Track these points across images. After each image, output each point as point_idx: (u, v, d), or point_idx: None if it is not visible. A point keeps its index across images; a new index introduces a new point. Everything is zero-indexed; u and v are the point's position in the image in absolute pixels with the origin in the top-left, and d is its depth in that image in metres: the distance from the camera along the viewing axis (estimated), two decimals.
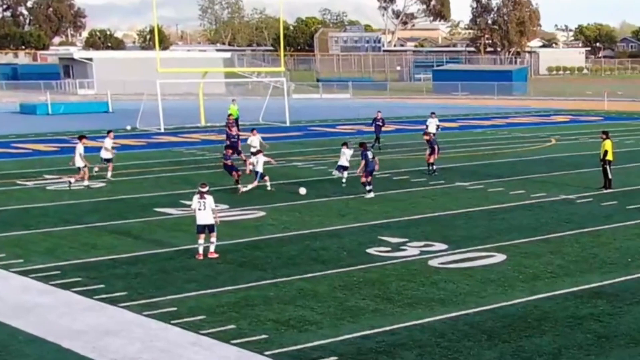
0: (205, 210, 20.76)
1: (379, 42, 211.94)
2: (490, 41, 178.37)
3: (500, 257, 21.31)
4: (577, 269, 20.26)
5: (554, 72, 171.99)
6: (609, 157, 31.29)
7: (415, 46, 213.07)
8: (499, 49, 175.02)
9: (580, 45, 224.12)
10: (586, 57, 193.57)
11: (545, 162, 39.84)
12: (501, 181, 33.50)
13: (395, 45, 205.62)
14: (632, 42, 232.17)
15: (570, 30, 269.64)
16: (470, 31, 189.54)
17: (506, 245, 22.58)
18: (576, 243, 22.98)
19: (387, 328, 15.92)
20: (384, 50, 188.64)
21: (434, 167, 34.90)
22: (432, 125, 42.81)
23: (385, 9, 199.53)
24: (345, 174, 31.88)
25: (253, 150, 32.72)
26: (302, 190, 29.07)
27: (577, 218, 26.41)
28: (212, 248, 21.12)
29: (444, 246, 22.51)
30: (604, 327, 16.03)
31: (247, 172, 32.11)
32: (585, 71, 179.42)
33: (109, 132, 35.17)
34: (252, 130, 36.49)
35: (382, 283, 18.97)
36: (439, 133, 42.95)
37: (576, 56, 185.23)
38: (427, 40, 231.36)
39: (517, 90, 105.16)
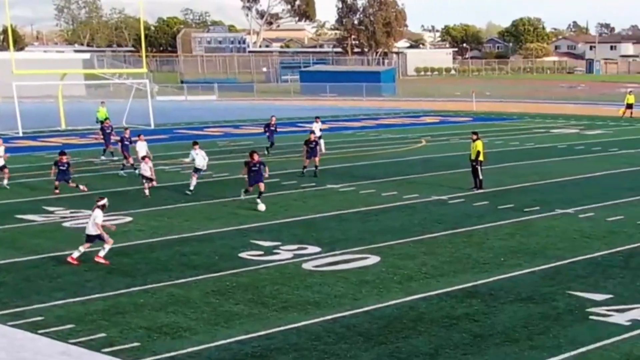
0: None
1: (244, 42, 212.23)
2: (357, 42, 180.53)
3: (374, 259, 21.71)
4: (451, 269, 20.82)
5: (422, 73, 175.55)
6: (481, 157, 32.23)
7: (281, 47, 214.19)
8: (366, 50, 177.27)
9: (447, 46, 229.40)
10: (453, 58, 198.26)
11: (416, 163, 40.71)
12: (373, 183, 34.09)
13: (260, 46, 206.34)
14: (499, 43, 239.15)
15: (437, 30, 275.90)
16: (337, 32, 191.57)
17: (380, 247, 23.01)
18: (449, 243, 23.60)
19: (263, 332, 16.05)
20: (250, 51, 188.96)
21: (317, 169, 35.55)
22: (317, 129, 43.44)
23: (249, 8, 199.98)
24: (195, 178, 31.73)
25: (141, 155, 32.85)
26: (262, 207, 28.18)
27: (450, 219, 27.10)
28: (101, 253, 21.08)
29: (317, 249, 22.78)
30: (479, 326, 16.54)
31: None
32: (453, 72, 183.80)
33: None
34: (138, 135, 36.15)
35: (256, 287, 19.10)
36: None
37: (444, 57, 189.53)
38: (293, 41, 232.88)
39: (385, 92, 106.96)
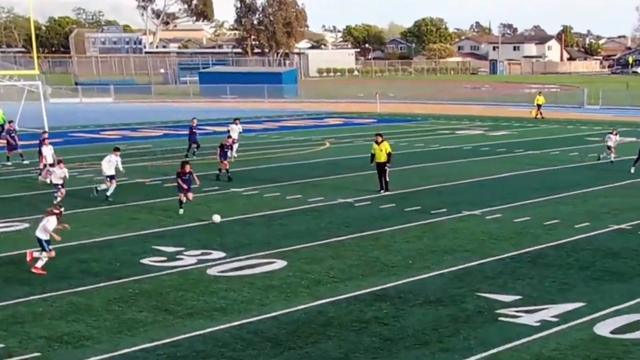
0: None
1: (140, 43, 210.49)
2: (257, 42, 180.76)
3: (281, 263, 21.78)
4: (359, 273, 21.00)
5: (325, 74, 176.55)
6: (381, 159, 32.46)
7: (179, 47, 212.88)
8: (266, 51, 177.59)
9: (349, 46, 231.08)
10: (356, 59, 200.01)
11: (320, 166, 40.91)
12: (277, 186, 34.16)
13: (157, 47, 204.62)
14: (401, 44, 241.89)
15: (339, 31, 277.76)
16: (236, 32, 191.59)
17: (286, 251, 23.09)
18: (357, 247, 23.79)
19: (168, 340, 15.95)
20: (146, 52, 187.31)
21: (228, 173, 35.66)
22: (236, 132, 43.54)
23: (144, 8, 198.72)
24: (104, 185, 31.40)
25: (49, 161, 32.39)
26: (217, 218, 27.39)
27: (356, 221, 27.32)
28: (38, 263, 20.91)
29: (222, 254, 22.74)
30: (389, 329, 16.73)
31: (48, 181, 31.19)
32: (355, 73, 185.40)
33: None
34: (42, 139, 35.52)
35: (160, 294, 18.98)
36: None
37: (346, 57, 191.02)
38: (192, 41, 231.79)
39: (288, 93, 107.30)
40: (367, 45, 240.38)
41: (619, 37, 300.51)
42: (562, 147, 48.27)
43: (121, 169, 32.10)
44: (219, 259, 22.29)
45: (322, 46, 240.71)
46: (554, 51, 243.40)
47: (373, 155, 32.78)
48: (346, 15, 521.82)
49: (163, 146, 48.51)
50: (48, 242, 20.99)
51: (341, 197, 31.65)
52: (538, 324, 16.91)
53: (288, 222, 27.38)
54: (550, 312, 17.63)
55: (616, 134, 41.37)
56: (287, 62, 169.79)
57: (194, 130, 44.17)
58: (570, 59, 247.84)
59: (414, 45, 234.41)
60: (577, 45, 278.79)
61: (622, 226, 26.27)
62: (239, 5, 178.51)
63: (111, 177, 31.24)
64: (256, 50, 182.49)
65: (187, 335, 16.26)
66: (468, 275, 20.78)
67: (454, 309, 18.00)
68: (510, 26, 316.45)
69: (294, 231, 25.90)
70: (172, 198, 29.85)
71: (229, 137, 38.66)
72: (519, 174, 38.17)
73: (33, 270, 20.67)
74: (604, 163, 40.47)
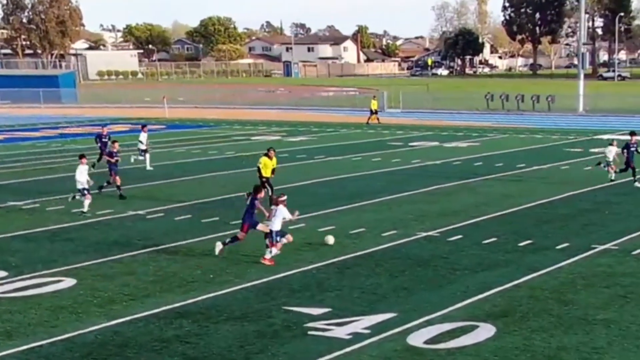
0: None
1: None
2: (28, 42, 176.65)
3: (70, 282, 21.47)
4: (156, 289, 20.95)
5: (106, 77, 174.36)
6: (268, 174, 32.44)
7: None
8: (39, 52, 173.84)
9: (131, 47, 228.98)
10: (140, 60, 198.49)
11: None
12: (61, 198, 33.49)
13: None
14: (188, 44, 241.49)
15: (119, 30, 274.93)
16: (3, 31, 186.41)
17: (75, 268, 22.77)
18: (152, 262, 23.70)
19: None
20: None
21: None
22: (144, 139, 43.13)
23: None
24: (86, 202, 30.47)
25: None
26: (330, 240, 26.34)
27: (150, 235, 27.18)
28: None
29: (3, 273, 22.23)
30: (192, 348, 16.78)
31: None
32: (140, 75, 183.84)
33: None
34: None
35: None
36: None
37: (128, 59, 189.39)
38: None
39: (66, 98, 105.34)
40: (150, 46, 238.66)
41: (417, 38, 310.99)
42: (364, 153, 49.48)
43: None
44: (0, 279, 21.73)
45: (101, 47, 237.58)
46: (350, 52, 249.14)
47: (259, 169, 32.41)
48: (126, 14, 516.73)
49: None
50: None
51: (132, 209, 31.42)
52: (350, 336, 17.33)
53: (75, 237, 26.98)
54: (361, 323, 18.11)
55: (615, 145, 38.32)
56: (64, 64, 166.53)
57: (104, 140, 42.55)
58: (368, 60, 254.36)
59: (201, 46, 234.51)
60: (374, 46, 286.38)
61: (430, 233, 27.25)
62: (5, 1, 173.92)
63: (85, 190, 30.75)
64: (28, 51, 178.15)
65: None
66: (273, 288, 21.06)
67: (261, 324, 18.22)
68: (303, 26, 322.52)
69: (82, 246, 25.55)
70: None
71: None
72: (320, 181, 38.90)
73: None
74: (408, 169, 41.71)
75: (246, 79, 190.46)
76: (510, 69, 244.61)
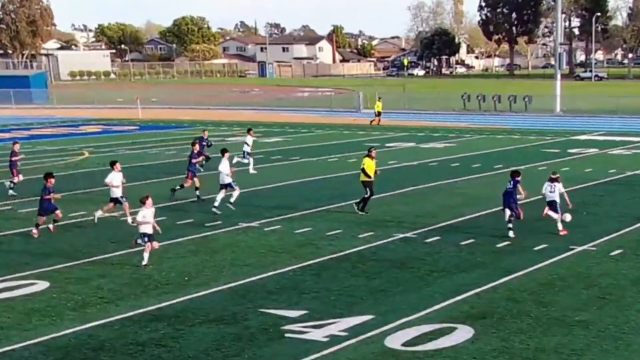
0: None
1: None
2: None
3: (42, 285, 21.45)
4: (131, 292, 20.93)
5: (78, 77, 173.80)
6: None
7: None
8: (10, 52, 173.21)
9: (103, 47, 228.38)
10: (112, 61, 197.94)
11: (79, 177, 40.35)
12: (32, 200, 33.27)
13: None
14: (161, 44, 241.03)
15: (90, 30, 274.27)
16: None
17: (48, 271, 22.75)
18: (126, 264, 23.68)
19: None
20: None
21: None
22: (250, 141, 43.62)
23: None
24: None
25: None
26: (567, 217, 27.38)
27: (123, 237, 26.98)
28: None
29: None
30: (168, 351, 16.79)
31: None
32: (112, 76, 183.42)
33: None
34: None
35: None
36: None
37: (101, 59, 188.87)
38: None
39: (37, 98, 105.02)
40: (123, 46, 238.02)
41: (393, 38, 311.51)
42: (340, 154, 49.56)
43: None
44: None
45: (73, 47, 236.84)
46: (325, 52, 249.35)
47: (363, 170, 31.81)
48: (98, 13, 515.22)
49: None
50: None
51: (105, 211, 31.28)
52: (327, 339, 17.39)
53: (48, 239, 26.90)
54: (338, 326, 18.17)
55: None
56: (35, 64, 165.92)
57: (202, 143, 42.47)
58: (343, 60, 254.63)
59: (175, 46, 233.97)
60: (350, 46, 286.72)
61: (407, 235, 27.34)
62: None
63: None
64: None
65: None
66: (249, 291, 21.09)
67: (237, 327, 18.26)
68: (277, 26, 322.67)
69: (54, 249, 25.52)
70: None
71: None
72: (296, 182, 38.97)
73: None
74: (384, 170, 41.75)
75: (220, 79, 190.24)
76: (486, 69, 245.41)
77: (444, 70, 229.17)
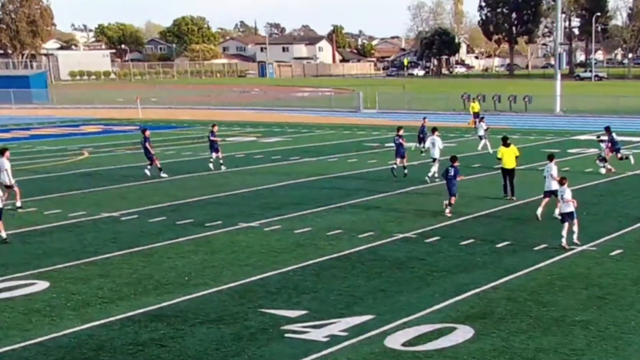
0: None
1: None
2: None
3: (42, 284, 21.43)
4: (131, 292, 20.92)
5: (78, 77, 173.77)
6: (510, 164, 34.26)
7: None
8: (10, 52, 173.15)
9: (103, 47, 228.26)
10: (112, 61, 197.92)
11: (79, 178, 40.30)
12: (33, 200, 33.43)
13: None
14: (161, 44, 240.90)
15: (90, 30, 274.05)
16: None
17: (48, 271, 22.74)
18: (126, 264, 23.67)
19: None
20: None
21: None
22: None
23: None
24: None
25: None
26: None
27: (125, 237, 27.14)
28: None
29: None
30: (168, 351, 16.78)
31: None
32: (112, 76, 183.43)
33: None
34: None
35: None
36: None
37: (101, 59, 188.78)
38: None
39: (37, 98, 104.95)
40: (123, 46, 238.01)
41: (393, 38, 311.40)
42: (340, 154, 49.55)
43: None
44: None
45: (73, 47, 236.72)
46: (325, 52, 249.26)
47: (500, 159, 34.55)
48: (98, 14, 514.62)
49: None
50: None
51: (105, 211, 31.35)
52: (327, 339, 17.38)
53: (48, 239, 26.91)
54: (338, 326, 18.17)
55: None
56: (35, 64, 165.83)
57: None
58: (343, 60, 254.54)
59: (175, 46, 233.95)
60: (350, 46, 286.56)
61: (407, 235, 27.33)
62: None
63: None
64: None
65: None
66: (249, 291, 21.08)
67: (237, 327, 18.25)
68: (277, 26, 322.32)
69: (55, 249, 25.49)
70: None
71: None
72: (296, 182, 38.91)
73: None
74: (384, 170, 41.77)
75: (220, 79, 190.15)
76: (486, 69, 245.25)
77: (443, 70, 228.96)
